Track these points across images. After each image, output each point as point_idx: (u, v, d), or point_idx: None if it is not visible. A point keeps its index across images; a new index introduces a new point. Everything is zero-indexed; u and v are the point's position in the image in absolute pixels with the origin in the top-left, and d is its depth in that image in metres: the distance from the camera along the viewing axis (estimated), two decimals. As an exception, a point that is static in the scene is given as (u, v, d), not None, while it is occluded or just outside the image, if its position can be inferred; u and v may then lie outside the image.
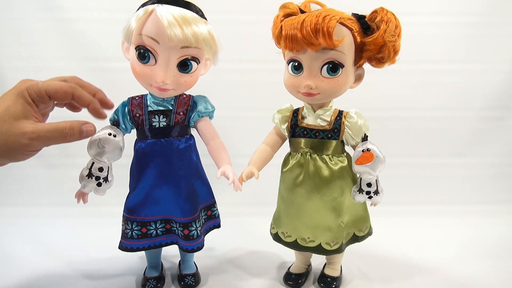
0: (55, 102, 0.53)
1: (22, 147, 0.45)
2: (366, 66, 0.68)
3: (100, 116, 0.53)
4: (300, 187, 0.71)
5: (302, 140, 0.71)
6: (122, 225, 0.72)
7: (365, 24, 0.63)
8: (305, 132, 0.71)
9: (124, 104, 0.71)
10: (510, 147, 1.27)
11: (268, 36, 0.69)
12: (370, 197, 0.69)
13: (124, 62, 0.68)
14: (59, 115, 0.56)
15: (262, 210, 0.89)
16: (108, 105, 0.55)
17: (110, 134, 0.66)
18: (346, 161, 0.71)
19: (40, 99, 0.48)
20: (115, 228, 0.78)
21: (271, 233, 0.78)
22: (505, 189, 1.26)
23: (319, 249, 0.72)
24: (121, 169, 0.72)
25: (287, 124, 0.73)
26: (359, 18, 0.64)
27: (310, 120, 0.71)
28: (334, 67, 0.63)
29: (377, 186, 0.68)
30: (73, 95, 0.51)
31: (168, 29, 0.59)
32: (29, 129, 0.44)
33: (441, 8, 1.19)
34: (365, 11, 0.65)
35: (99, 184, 0.66)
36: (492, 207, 1.20)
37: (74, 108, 0.55)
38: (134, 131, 0.72)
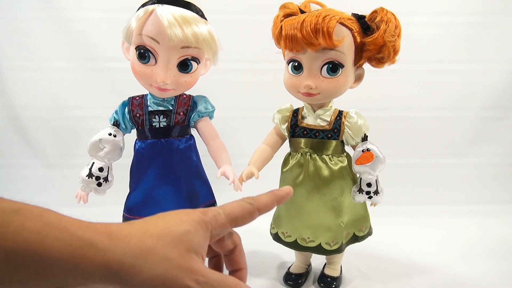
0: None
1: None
2: (366, 66, 0.68)
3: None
4: (300, 187, 0.71)
5: (302, 140, 0.71)
6: (122, 225, 0.72)
7: (365, 24, 0.63)
8: (305, 132, 0.71)
9: (124, 104, 0.71)
10: (510, 147, 1.27)
11: (268, 36, 0.69)
12: (370, 197, 0.69)
13: (124, 62, 0.68)
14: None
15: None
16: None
17: (110, 134, 0.66)
18: (346, 161, 0.71)
19: (220, 229, 0.35)
20: (115, 228, 0.78)
21: (271, 233, 0.78)
22: (505, 189, 1.25)
23: (319, 249, 0.72)
24: (121, 169, 0.72)
25: (287, 124, 0.73)
26: (359, 18, 0.64)
27: (310, 120, 0.71)
28: (334, 67, 0.63)
29: (377, 186, 0.68)
30: (252, 215, 0.37)
31: (168, 29, 0.59)
32: (200, 268, 0.31)
33: (441, 8, 1.19)
34: (365, 11, 0.65)
35: (99, 184, 0.67)
36: (492, 207, 1.20)
37: (233, 263, 0.38)
38: (134, 131, 0.72)
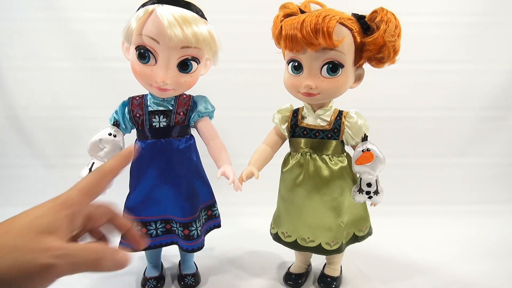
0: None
1: (41, 269, 0.31)
2: (366, 66, 0.68)
3: (139, 245, 0.42)
4: (300, 187, 0.71)
5: (302, 140, 0.71)
6: (122, 225, 0.72)
7: (365, 24, 0.63)
8: (305, 132, 0.71)
9: (124, 104, 0.71)
10: (510, 147, 1.27)
11: (268, 36, 0.69)
12: (370, 197, 0.69)
13: (124, 62, 0.68)
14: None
15: (262, 210, 0.89)
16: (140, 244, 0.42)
17: (110, 134, 0.66)
18: (346, 161, 0.71)
19: (79, 205, 0.36)
20: (115, 228, 0.78)
21: (271, 233, 0.78)
22: (505, 189, 1.26)
23: (319, 249, 0.72)
24: (121, 169, 0.72)
25: (287, 124, 0.73)
26: (359, 18, 0.64)
27: (310, 120, 0.71)
28: (334, 67, 0.63)
29: (377, 186, 0.68)
30: (101, 181, 0.39)
31: (168, 29, 0.59)
32: (54, 244, 0.32)
33: (441, 8, 1.19)
34: (365, 11, 0.65)
35: (99, 184, 0.66)
36: (492, 207, 1.20)
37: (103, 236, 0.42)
38: (134, 131, 0.72)
